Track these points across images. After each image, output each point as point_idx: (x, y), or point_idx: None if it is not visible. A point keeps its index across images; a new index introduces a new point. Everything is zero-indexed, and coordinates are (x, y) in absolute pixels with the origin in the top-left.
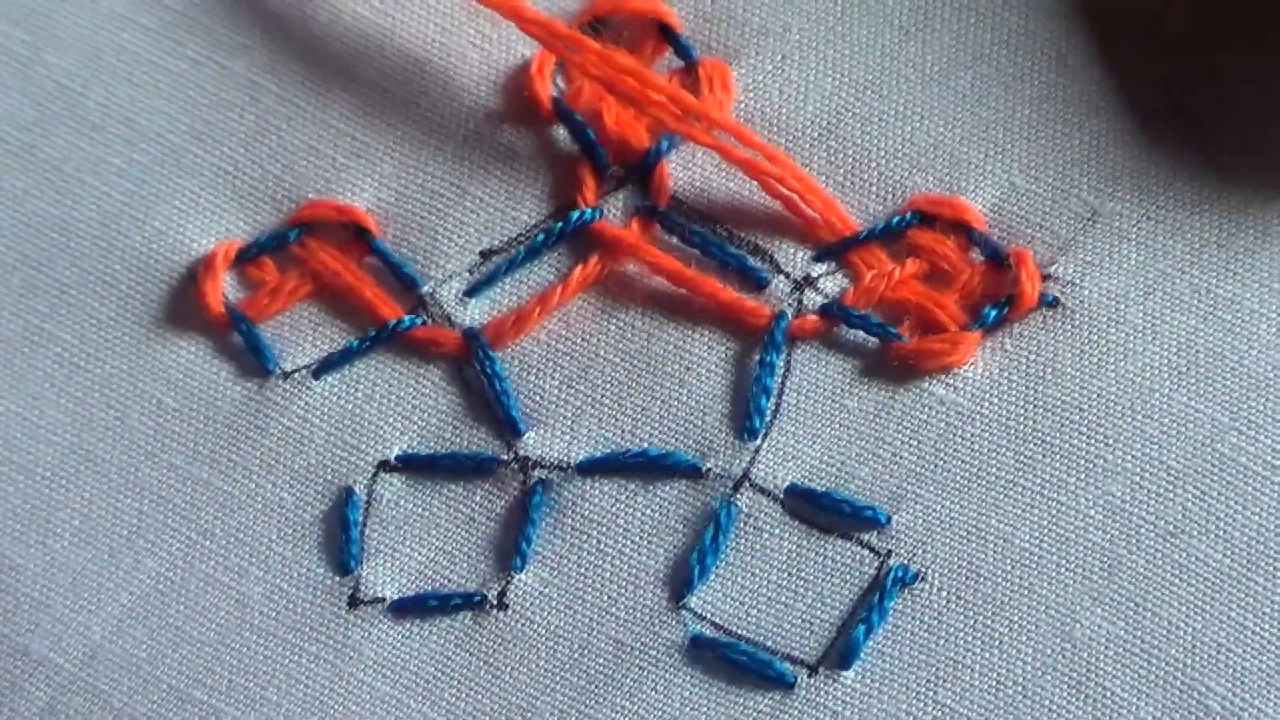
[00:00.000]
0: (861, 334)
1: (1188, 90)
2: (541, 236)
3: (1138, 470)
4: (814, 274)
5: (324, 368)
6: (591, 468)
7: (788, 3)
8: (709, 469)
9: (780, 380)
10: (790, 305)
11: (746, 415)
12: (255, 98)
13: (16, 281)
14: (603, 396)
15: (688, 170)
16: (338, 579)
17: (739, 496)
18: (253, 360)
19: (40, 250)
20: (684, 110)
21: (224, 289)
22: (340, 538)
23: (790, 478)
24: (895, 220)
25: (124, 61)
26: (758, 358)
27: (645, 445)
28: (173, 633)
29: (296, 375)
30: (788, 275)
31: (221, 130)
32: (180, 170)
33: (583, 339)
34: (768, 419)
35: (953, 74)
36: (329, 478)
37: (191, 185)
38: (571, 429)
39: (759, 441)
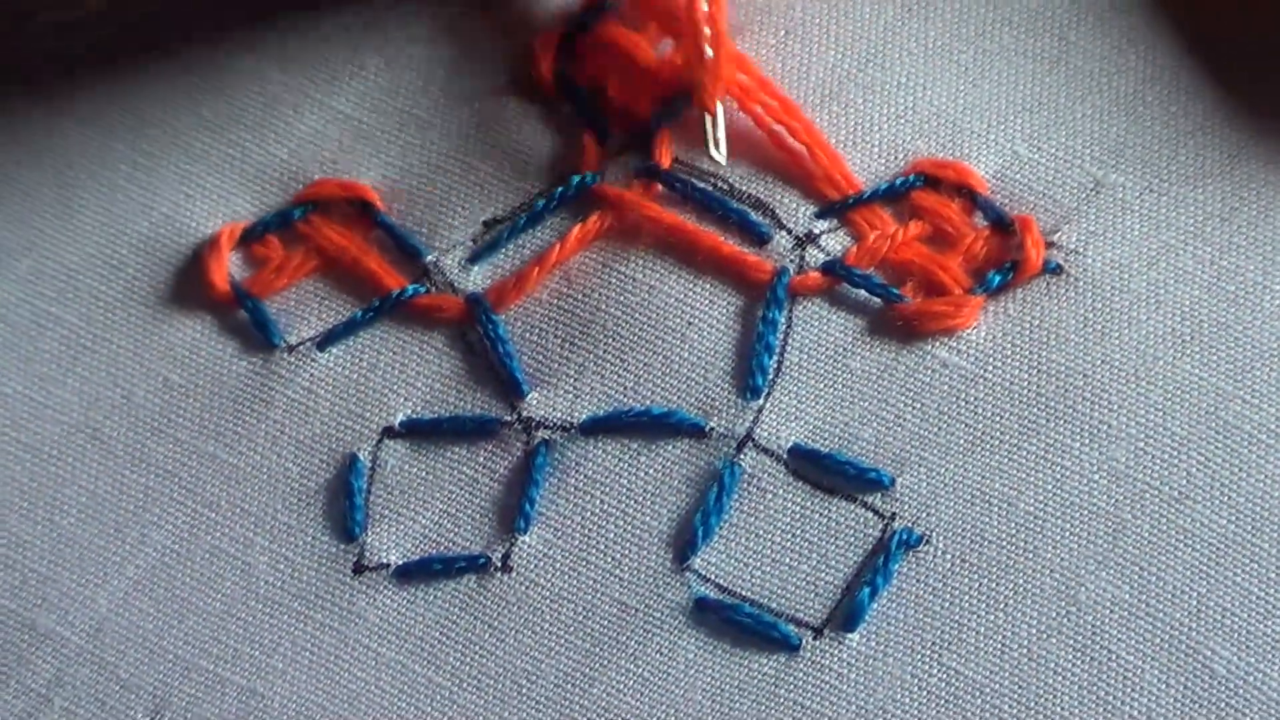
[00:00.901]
0: (864, 294)
1: (1191, 65)
2: (542, 202)
3: (1141, 436)
4: (816, 231)
5: (329, 339)
6: (594, 427)
7: None
8: (712, 428)
9: (782, 338)
10: (792, 262)
11: (749, 373)
12: (261, 85)
13: (24, 268)
14: (605, 353)
15: (689, 135)
16: (343, 546)
17: (742, 457)
18: (258, 335)
19: (46, 237)
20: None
21: (230, 268)
22: (345, 505)
23: (793, 438)
24: (899, 181)
25: None
26: (760, 314)
27: (648, 404)
28: (179, 604)
29: (301, 348)
30: (790, 231)
31: (227, 117)
32: (187, 157)
33: (584, 296)
34: (770, 377)
35: (955, 49)
36: (334, 447)
37: (198, 171)
38: (574, 388)
39: (762, 400)
